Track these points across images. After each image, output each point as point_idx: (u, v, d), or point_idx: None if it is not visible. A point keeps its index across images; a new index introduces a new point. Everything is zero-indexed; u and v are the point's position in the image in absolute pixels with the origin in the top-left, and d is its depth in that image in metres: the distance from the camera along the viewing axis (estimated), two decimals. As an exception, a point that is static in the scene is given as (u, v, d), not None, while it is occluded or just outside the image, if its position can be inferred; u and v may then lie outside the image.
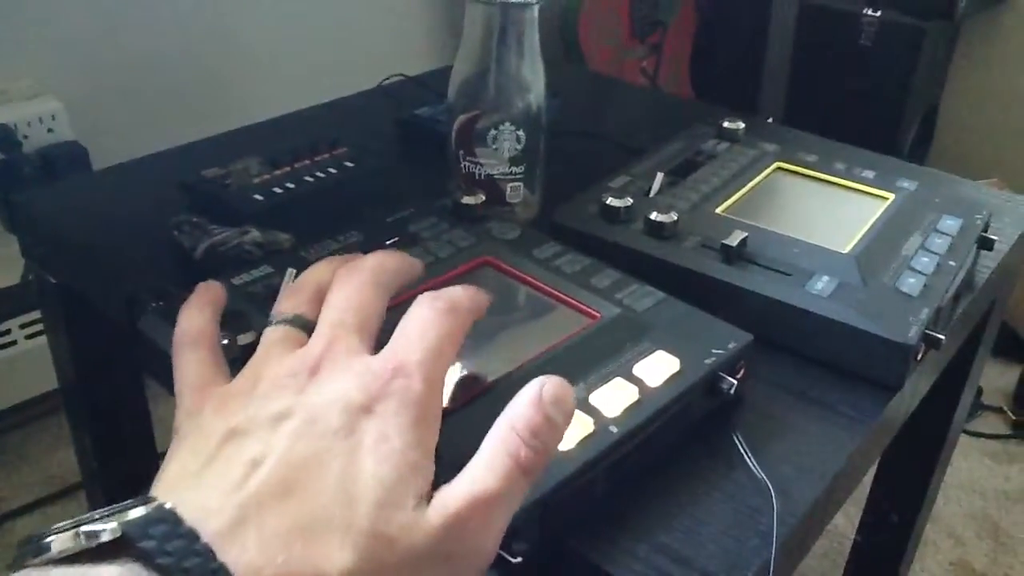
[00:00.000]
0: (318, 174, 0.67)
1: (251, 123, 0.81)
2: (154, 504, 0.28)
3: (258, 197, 0.63)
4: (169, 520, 0.27)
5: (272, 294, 0.42)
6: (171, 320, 0.40)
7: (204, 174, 0.65)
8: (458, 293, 0.36)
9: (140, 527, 0.26)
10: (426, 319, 0.35)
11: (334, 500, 0.29)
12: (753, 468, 0.44)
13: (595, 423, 0.40)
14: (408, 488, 0.30)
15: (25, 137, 1.27)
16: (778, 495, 0.42)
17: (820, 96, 1.88)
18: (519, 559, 0.35)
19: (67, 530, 0.26)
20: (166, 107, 1.45)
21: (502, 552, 0.35)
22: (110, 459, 0.79)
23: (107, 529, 0.26)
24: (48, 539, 0.26)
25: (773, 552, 0.40)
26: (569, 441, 0.39)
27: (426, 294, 0.36)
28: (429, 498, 0.31)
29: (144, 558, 0.26)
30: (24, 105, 1.29)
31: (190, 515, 0.27)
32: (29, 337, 1.35)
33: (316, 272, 0.40)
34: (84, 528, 0.26)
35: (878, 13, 1.79)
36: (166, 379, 0.38)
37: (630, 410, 0.41)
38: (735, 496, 0.43)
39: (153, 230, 0.61)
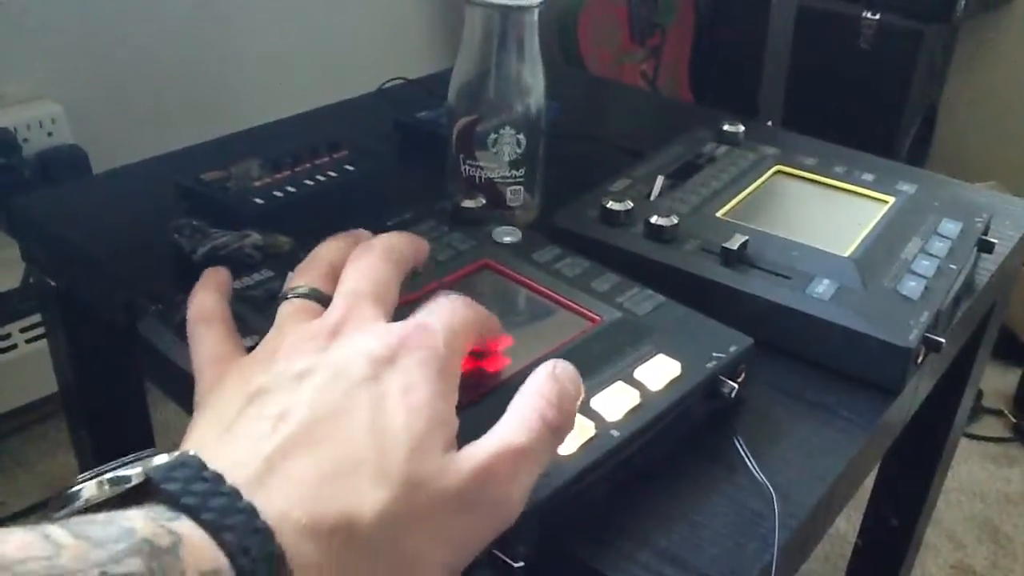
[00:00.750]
0: (318, 177, 0.67)
1: (251, 126, 0.81)
2: (177, 452, 0.28)
3: (258, 200, 0.63)
4: (193, 465, 0.27)
5: (272, 297, 0.42)
6: (171, 324, 0.40)
7: (204, 177, 0.65)
8: (470, 300, 0.38)
9: (165, 471, 0.26)
10: (448, 303, 0.36)
11: (364, 446, 0.29)
12: (754, 472, 0.44)
13: (596, 427, 0.40)
14: (436, 435, 0.30)
15: (25, 141, 1.27)
16: (779, 499, 0.42)
17: (819, 99, 1.88)
18: (520, 564, 0.35)
19: (91, 479, 0.27)
20: (166, 110, 1.45)
21: (503, 556, 0.35)
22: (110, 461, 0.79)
23: (132, 475, 0.26)
24: (74, 489, 0.26)
25: (774, 556, 0.40)
26: (570, 445, 0.39)
27: (443, 292, 0.37)
28: (456, 449, 0.31)
29: (170, 500, 0.26)
30: (24, 109, 1.29)
31: (217, 466, 0.27)
32: (29, 341, 1.35)
33: (327, 249, 0.40)
34: (108, 475, 0.26)
35: (877, 16, 1.79)
36: (166, 383, 0.38)
37: (631, 414, 0.41)
38: (736, 500, 0.43)
39: (153, 233, 0.61)
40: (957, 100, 2.02)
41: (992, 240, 0.62)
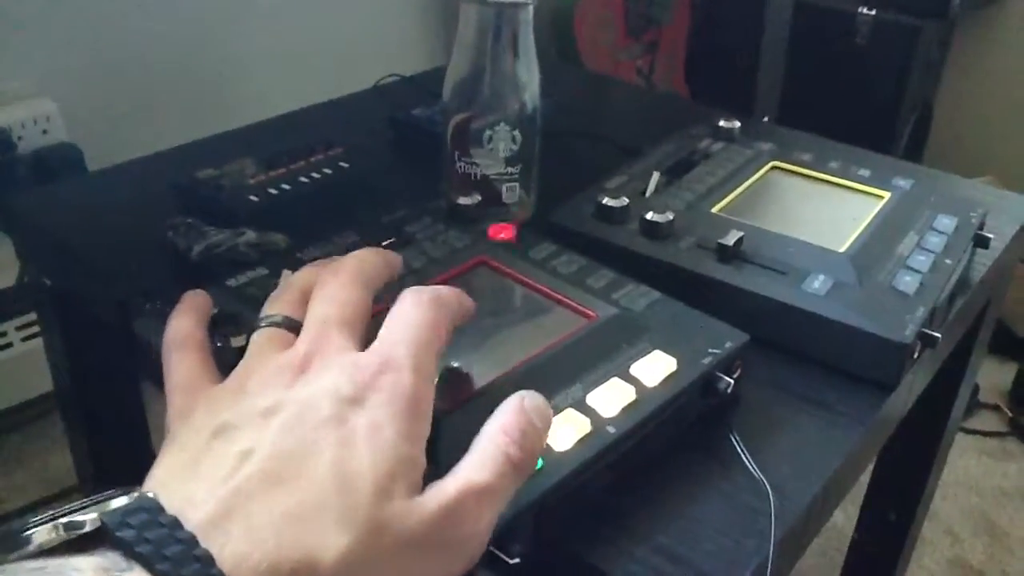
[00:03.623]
0: (313, 175, 0.66)
1: (246, 124, 0.81)
2: (135, 494, 0.27)
3: (253, 198, 0.63)
4: (150, 509, 0.26)
5: (267, 296, 0.42)
6: (166, 322, 0.40)
7: (199, 175, 0.65)
8: (441, 288, 0.37)
9: (120, 517, 0.26)
10: (410, 312, 0.35)
11: (327, 488, 0.29)
12: (750, 467, 0.44)
13: (592, 423, 0.40)
14: (401, 478, 0.30)
15: (20, 139, 1.27)
16: (775, 494, 0.42)
17: (815, 95, 1.88)
18: (517, 560, 0.35)
19: (46, 522, 0.26)
20: (161, 108, 1.45)
21: (499, 553, 0.35)
22: (106, 461, 0.79)
23: (86, 520, 0.26)
24: (27, 532, 0.26)
25: (771, 551, 0.40)
26: (567, 441, 0.39)
27: (409, 289, 0.36)
28: (421, 490, 0.31)
29: (123, 547, 0.25)
30: (18, 107, 1.29)
31: (175, 506, 0.27)
32: (25, 339, 1.35)
33: (301, 276, 0.40)
34: (63, 520, 0.26)
35: (873, 12, 1.79)
36: (162, 381, 0.38)
37: (627, 410, 0.41)
38: (732, 496, 0.43)
39: (148, 232, 0.61)
40: (953, 96, 2.02)
41: (988, 235, 0.62)
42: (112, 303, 0.57)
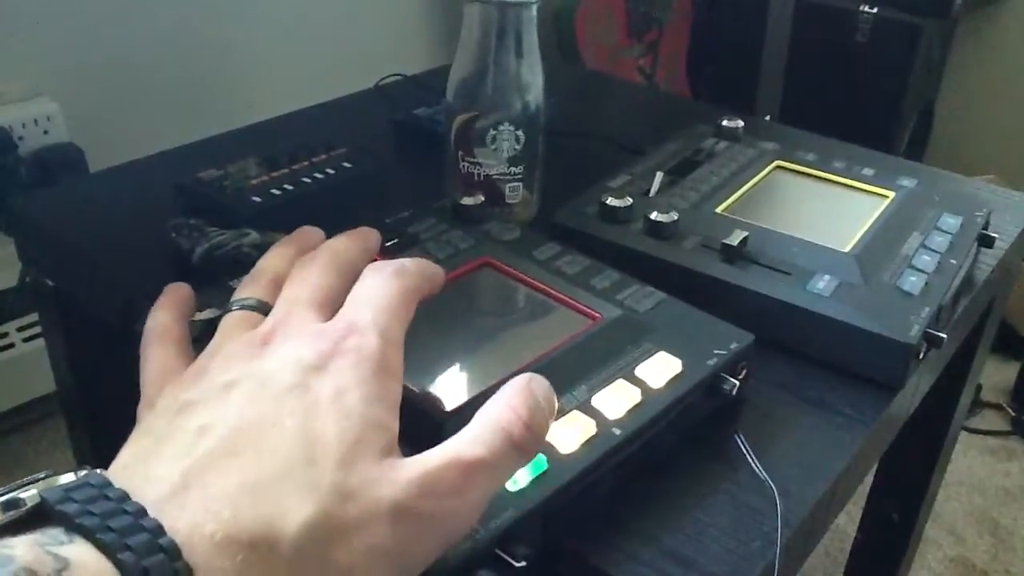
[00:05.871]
0: (316, 175, 0.66)
1: (248, 124, 0.81)
2: (84, 471, 0.27)
3: (256, 199, 0.63)
4: (97, 484, 0.26)
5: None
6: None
7: (201, 176, 0.65)
8: (404, 260, 0.36)
9: (62, 492, 0.25)
10: (374, 283, 0.34)
11: (290, 456, 0.28)
12: (756, 469, 0.44)
13: (597, 425, 0.40)
14: (371, 442, 0.29)
15: (21, 139, 1.26)
16: (781, 496, 0.42)
17: (816, 93, 1.87)
18: (522, 563, 0.35)
19: None
20: (162, 108, 1.45)
21: (505, 556, 0.35)
22: (108, 462, 0.78)
23: (26, 497, 0.25)
24: None
25: (777, 553, 0.39)
26: (572, 443, 0.39)
27: (373, 264, 0.36)
28: (398, 456, 0.29)
29: (65, 522, 0.24)
30: (20, 107, 1.28)
31: (132, 485, 0.26)
32: (27, 340, 1.34)
33: (272, 258, 0.39)
34: (3, 498, 0.25)
35: (874, 10, 1.78)
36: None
37: (632, 412, 0.41)
38: (738, 497, 0.43)
39: (150, 232, 0.61)
40: (955, 94, 2.02)
41: (992, 235, 0.62)
42: (114, 304, 0.57)
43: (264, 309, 0.36)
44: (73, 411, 0.78)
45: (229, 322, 0.36)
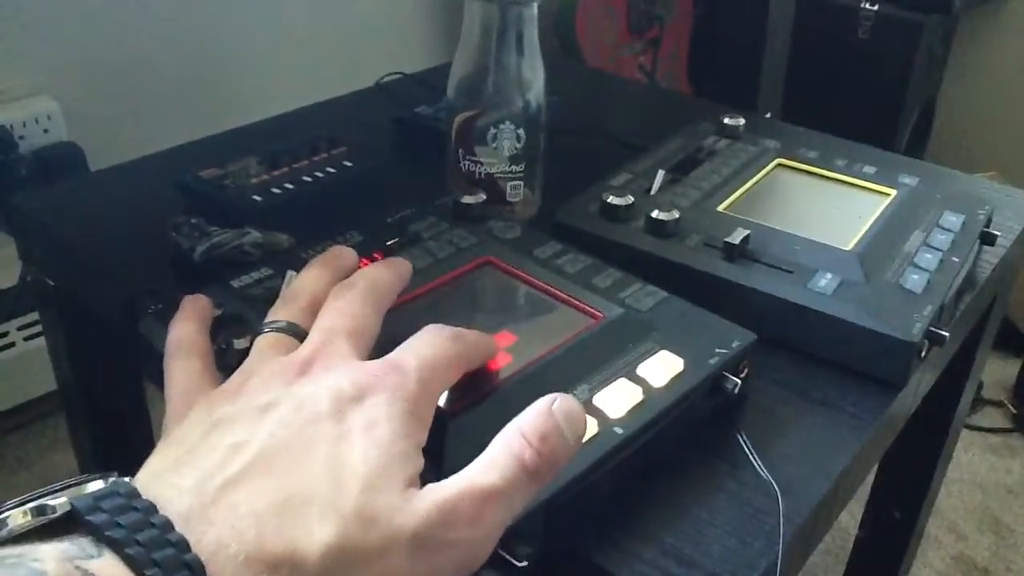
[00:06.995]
0: (317, 174, 0.66)
1: (249, 123, 0.81)
2: (112, 478, 0.27)
3: (256, 198, 0.63)
4: (125, 493, 0.26)
5: (272, 296, 0.41)
6: (168, 327, 0.40)
7: (202, 175, 0.65)
8: (465, 330, 0.37)
9: (91, 501, 0.26)
10: (431, 338, 0.35)
11: (317, 480, 0.28)
12: (758, 468, 0.44)
13: (599, 424, 0.40)
14: (395, 472, 0.29)
15: (21, 138, 1.26)
16: (783, 495, 0.42)
17: (818, 90, 1.87)
18: (524, 563, 0.35)
19: (18, 507, 0.26)
20: (163, 107, 1.44)
21: (507, 555, 0.35)
22: (109, 461, 0.78)
23: (56, 504, 0.25)
24: (1, 516, 0.25)
25: (780, 552, 0.39)
26: (573, 443, 0.39)
27: (431, 324, 0.36)
28: (418, 488, 0.30)
29: (94, 532, 0.25)
30: (20, 106, 1.28)
31: (163, 495, 0.26)
32: (27, 339, 1.34)
33: (309, 281, 0.40)
34: (32, 504, 0.25)
35: (876, 7, 1.78)
36: (163, 383, 0.38)
37: (634, 411, 0.41)
38: (740, 496, 0.43)
39: (151, 232, 0.60)
40: (956, 91, 2.01)
41: (994, 232, 0.62)
42: (115, 303, 0.57)
43: (295, 331, 0.37)
44: (74, 411, 0.78)
45: (263, 343, 0.36)
